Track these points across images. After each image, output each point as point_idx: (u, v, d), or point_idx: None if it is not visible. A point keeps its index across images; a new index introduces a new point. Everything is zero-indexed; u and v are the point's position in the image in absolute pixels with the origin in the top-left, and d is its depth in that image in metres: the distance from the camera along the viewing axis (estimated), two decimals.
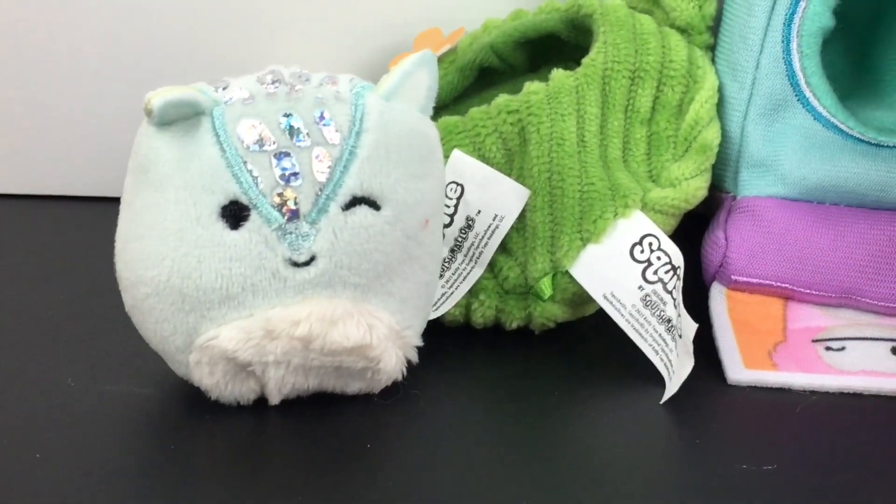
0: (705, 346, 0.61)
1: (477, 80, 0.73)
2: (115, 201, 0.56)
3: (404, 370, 0.55)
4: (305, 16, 0.75)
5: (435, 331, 0.60)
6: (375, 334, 0.52)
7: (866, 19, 0.70)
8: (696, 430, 0.56)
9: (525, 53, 0.72)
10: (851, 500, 0.52)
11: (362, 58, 0.75)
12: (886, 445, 0.56)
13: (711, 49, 0.68)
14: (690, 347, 0.58)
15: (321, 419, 0.55)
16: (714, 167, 0.67)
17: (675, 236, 0.64)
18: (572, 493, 0.53)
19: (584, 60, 0.65)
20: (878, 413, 0.58)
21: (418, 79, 0.53)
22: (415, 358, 0.56)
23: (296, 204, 0.51)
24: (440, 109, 0.72)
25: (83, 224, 0.76)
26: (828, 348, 0.61)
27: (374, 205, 0.52)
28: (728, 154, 0.66)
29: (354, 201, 0.51)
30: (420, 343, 0.56)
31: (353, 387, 0.55)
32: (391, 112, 0.53)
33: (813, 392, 0.59)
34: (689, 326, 0.59)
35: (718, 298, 0.63)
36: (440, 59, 0.72)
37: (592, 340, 0.62)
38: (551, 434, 0.57)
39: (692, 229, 0.68)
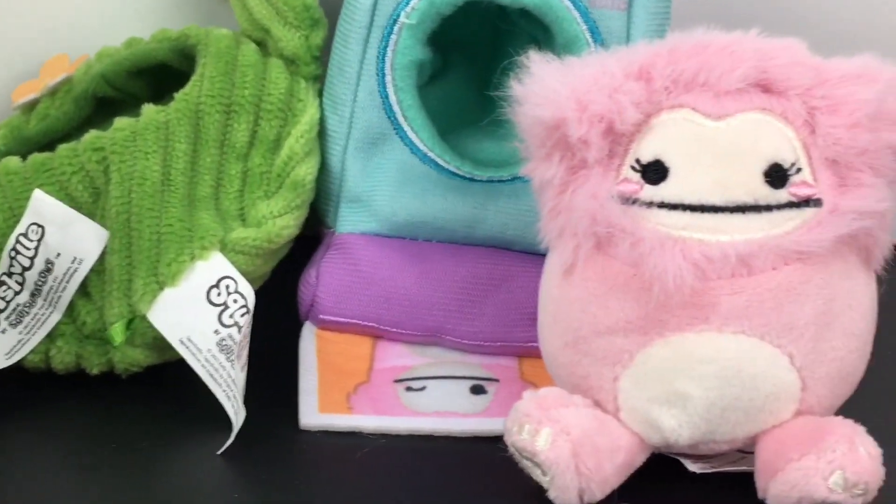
0: (293, 388, 0.61)
1: (102, 107, 0.72)
2: None
3: None
4: None
5: (15, 375, 0.59)
6: None
7: (487, 50, 0.70)
8: (252, 481, 0.55)
9: (144, 81, 0.70)
10: None
11: None
12: (448, 489, 0.56)
13: (320, 81, 0.68)
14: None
15: None
16: (319, 202, 0.66)
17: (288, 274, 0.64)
18: None
19: (177, 95, 0.64)
20: (446, 455, 0.58)
21: None
22: None
23: None
24: (62, 140, 0.71)
25: None
26: (409, 388, 0.61)
27: None
28: (330, 189, 0.65)
29: None
30: None
31: None
32: None
33: (383, 435, 0.59)
34: (242, 379, 0.58)
35: (308, 338, 0.63)
36: (56, 89, 0.70)
37: (175, 383, 0.62)
38: (130, 482, 0.56)
39: None
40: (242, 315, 0.59)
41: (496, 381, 0.61)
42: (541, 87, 0.53)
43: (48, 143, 0.70)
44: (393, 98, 0.64)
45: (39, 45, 0.72)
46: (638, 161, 0.53)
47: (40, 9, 0.71)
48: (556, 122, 0.52)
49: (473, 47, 0.69)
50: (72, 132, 0.71)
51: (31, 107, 0.70)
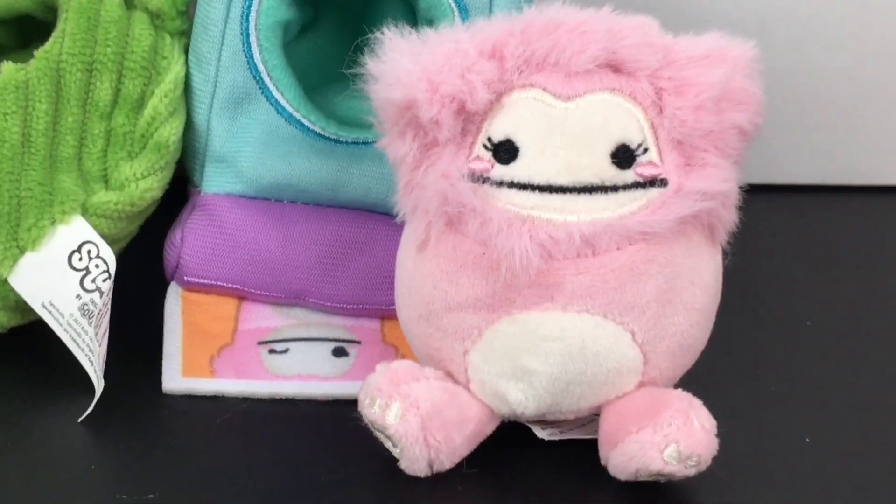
0: (157, 352, 0.61)
1: None
2: None
3: None
4: None
5: None
6: None
7: (359, 2, 0.70)
8: (110, 447, 0.57)
9: (9, 31, 0.70)
10: None
11: None
12: (307, 454, 0.57)
13: (186, 36, 0.67)
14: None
15: None
16: (185, 160, 0.66)
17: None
18: None
19: (37, 53, 0.63)
20: (306, 420, 0.59)
21: None
22: None
23: None
24: None
25: None
26: (271, 351, 0.62)
27: None
28: (196, 148, 0.65)
29: None
30: None
31: None
32: None
33: (245, 399, 0.60)
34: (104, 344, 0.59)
35: (174, 300, 0.63)
36: None
37: (40, 346, 0.62)
38: None
39: None
40: (104, 280, 0.60)
41: (358, 343, 0.62)
42: (393, 66, 0.53)
43: None
44: (258, 58, 0.63)
45: None
46: (490, 140, 0.54)
47: None
48: (408, 102, 0.53)
49: (343, 0, 0.69)
50: None
51: None
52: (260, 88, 0.64)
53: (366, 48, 0.64)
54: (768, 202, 0.78)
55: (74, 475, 0.55)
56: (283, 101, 0.64)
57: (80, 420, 0.57)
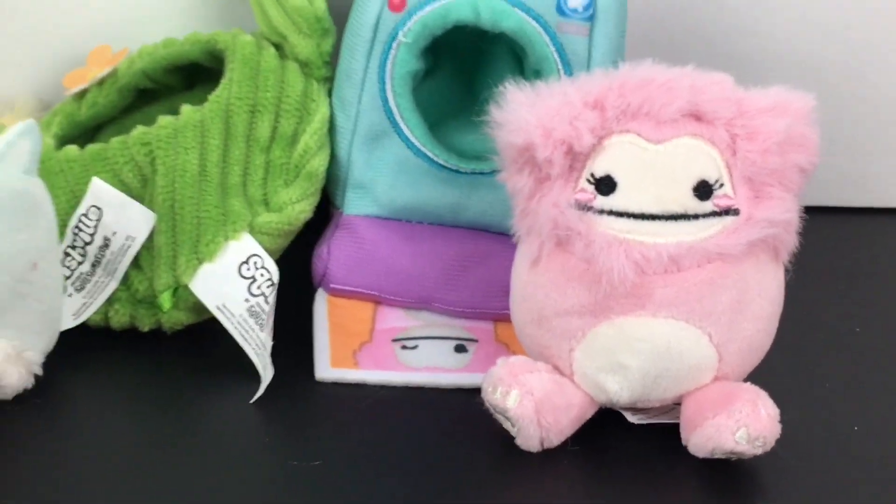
0: (309, 346, 0.73)
1: (142, 95, 0.82)
2: None
3: (31, 381, 0.67)
4: None
5: (80, 334, 0.72)
6: None
7: (471, 52, 0.81)
8: (278, 424, 0.68)
9: (179, 75, 0.81)
10: (379, 488, 0.63)
11: (41, 70, 0.83)
12: (436, 432, 0.69)
13: (330, 82, 0.78)
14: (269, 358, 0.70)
15: None
16: (329, 186, 0.78)
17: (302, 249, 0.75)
18: (183, 486, 0.63)
19: (210, 97, 0.75)
20: (434, 404, 0.71)
21: (21, 146, 0.65)
22: (39, 371, 0.67)
23: None
24: (107, 124, 0.82)
25: None
26: (403, 347, 0.74)
27: None
28: (338, 176, 0.77)
29: None
30: (41, 359, 0.67)
31: None
32: None
33: (382, 387, 0.71)
34: (269, 340, 0.70)
35: (321, 304, 0.75)
36: (103, 80, 0.81)
37: (213, 341, 0.73)
38: (175, 423, 0.68)
39: None
40: (268, 287, 0.71)
41: (475, 341, 0.74)
42: (514, 115, 0.64)
43: (96, 127, 0.82)
44: (392, 102, 0.75)
45: (85, 36, 0.83)
46: (592, 175, 0.65)
47: (85, 5, 0.82)
48: (526, 145, 0.64)
49: (460, 50, 0.80)
50: (116, 117, 0.82)
51: (81, 95, 0.81)
52: (393, 127, 0.75)
53: (480, 92, 0.76)
54: (824, 223, 0.88)
55: (252, 446, 0.67)
56: (412, 138, 0.75)
57: (251, 401, 0.69)
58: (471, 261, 0.74)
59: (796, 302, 0.70)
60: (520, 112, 0.64)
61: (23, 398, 0.67)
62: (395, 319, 0.75)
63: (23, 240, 0.64)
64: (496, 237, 0.74)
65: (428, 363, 0.72)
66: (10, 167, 0.64)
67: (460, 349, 0.74)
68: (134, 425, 0.68)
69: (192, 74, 0.82)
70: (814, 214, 0.69)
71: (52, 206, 0.67)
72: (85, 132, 0.81)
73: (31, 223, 0.64)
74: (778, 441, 0.65)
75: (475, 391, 0.68)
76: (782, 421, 0.65)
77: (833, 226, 0.88)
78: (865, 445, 0.68)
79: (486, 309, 0.74)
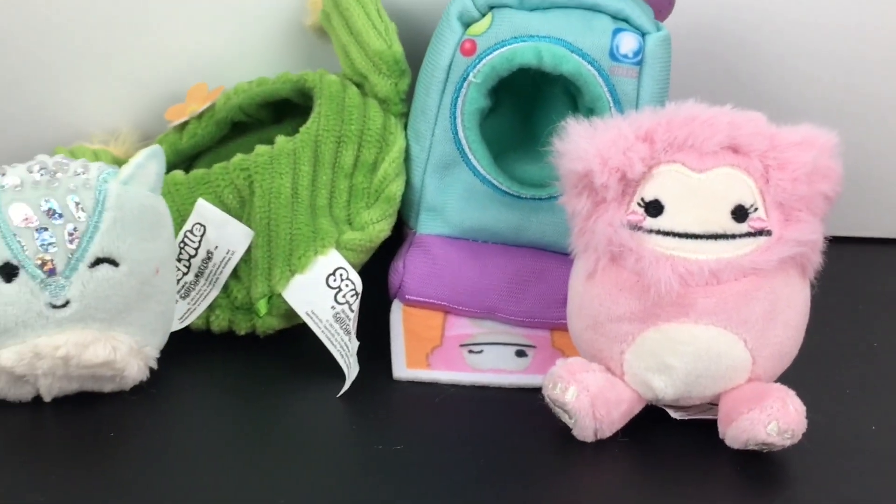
0: (387, 349, 0.82)
1: (236, 127, 0.92)
2: None
3: (147, 374, 0.76)
4: (92, 60, 0.92)
5: (183, 337, 0.81)
6: (119, 353, 0.73)
7: (530, 91, 0.90)
8: (362, 416, 0.77)
9: (269, 110, 0.91)
10: (460, 473, 0.72)
11: (144, 103, 0.93)
12: (500, 425, 0.77)
13: (405, 116, 0.87)
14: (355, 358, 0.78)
15: (81, 412, 0.74)
16: (404, 209, 0.87)
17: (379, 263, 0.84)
18: (279, 468, 0.71)
19: (301, 129, 0.84)
20: (498, 401, 0.79)
21: (149, 168, 0.74)
22: (155, 365, 0.77)
23: (52, 264, 0.71)
24: (205, 152, 0.92)
25: None
26: (470, 351, 0.82)
27: (113, 263, 0.72)
28: (412, 199, 0.86)
29: (98, 261, 0.72)
30: (157, 355, 0.76)
31: (107, 387, 0.76)
32: (126, 194, 0.73)
33: (453, 385, 0.80)
34: (355, 343, 0.79)
35: (396, 312, 0.84)
36: (203, 114, 0.90)
37: (302, 344, 0.82)
38: (268, 414, 0.77)
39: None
40: (352, 296, 0.80)
41: (534, 347, 0.83)
42: (574, 146, 0.74)
43: (195, 155, 0.92)
44: (462, 135, 0.84)
45: (183, 74, 0.93)
46: (642, 199, 0.74)
47: (184, 49, 0.93)
48: (585, 172, 0.74)
49: (519, 90, 0.89)
50: (213, 146, 0.93)
51: (182, 126, 0.91)
52: (462, 157, 0.85)
53: (536, 128, 0.84)
54: (849, 252, 0.98)
55: (340, 433, 0.76)
56: (478, 167, 0.84)
57: (337, 396, 0.78)
58: (530, 276, 0.84)
59: (820, 315, 0.78)
60: (580, 143, 0.74)
61: (139, 389, 0.77)
62: (462, 327, 0.84)
63: (149, 248, 0.73)
64: (552, 255, 0.84)
65: (492, 365, 0.81)
66: (140, 186, 0.74)
67: (520, 354, 0.82)
68: (232, 415, 0.78)
69: (280, 109, 0.92)
70: (842, 244, 0.79)
71: (172, 221, 0.77)
72: (185, 159, 0.91)
73: (156, 234, 0.74)
74: (804, 435, 0.74)
75: (534, 391, 0.77)
76: (807, 418, 0.74)
77: (856, 254, 0.98)
78: (882, 442, 0.76)
79: (544, 318, 0.83)
